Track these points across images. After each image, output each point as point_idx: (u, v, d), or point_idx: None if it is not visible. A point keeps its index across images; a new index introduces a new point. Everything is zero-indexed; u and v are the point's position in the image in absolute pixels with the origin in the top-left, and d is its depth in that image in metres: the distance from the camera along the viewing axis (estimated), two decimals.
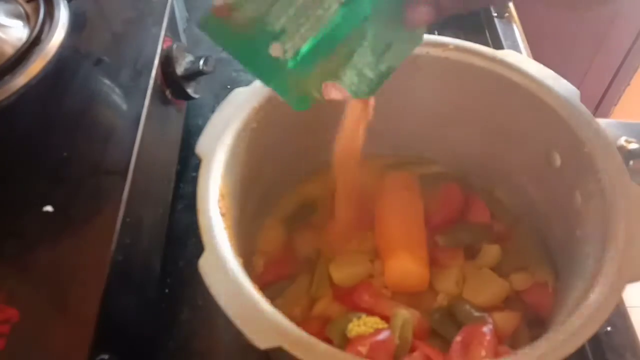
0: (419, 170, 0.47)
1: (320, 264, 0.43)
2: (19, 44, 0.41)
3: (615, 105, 1.23)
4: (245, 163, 0.38)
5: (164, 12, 0.49)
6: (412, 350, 0.37)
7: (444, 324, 0.39)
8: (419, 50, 0.41)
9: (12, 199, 0.36)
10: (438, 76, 0.42)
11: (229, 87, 0.62)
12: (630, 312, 0.44)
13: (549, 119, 0.38)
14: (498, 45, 0.65)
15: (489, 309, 0.40)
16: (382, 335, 0.37)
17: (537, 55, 0.52)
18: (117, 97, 0.43)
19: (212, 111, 0.37)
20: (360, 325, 0.37)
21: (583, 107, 0.37)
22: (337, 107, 0.44)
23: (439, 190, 0.46)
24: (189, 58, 0.51)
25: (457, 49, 0.40)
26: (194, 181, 0.33)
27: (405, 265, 0.40)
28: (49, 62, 0.41)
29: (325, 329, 0.39)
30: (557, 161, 0.39)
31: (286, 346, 0.27)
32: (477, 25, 0.69)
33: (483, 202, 0.45)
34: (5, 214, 0.36)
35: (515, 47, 0.64)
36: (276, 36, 0.30)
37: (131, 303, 0.38)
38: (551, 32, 1.05)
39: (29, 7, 0.45)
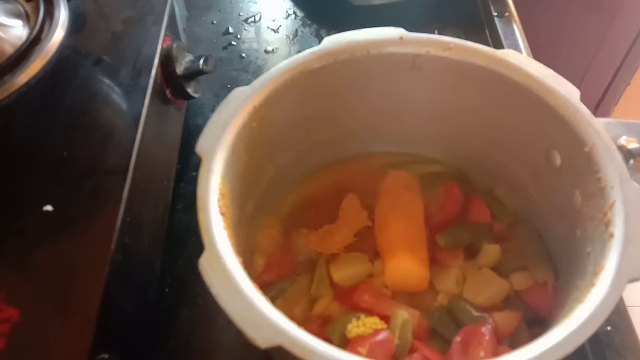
0: (419, 170, 0.47)
1: (320, 263, 0.43)
2: (19, 43, 0.41)
3: (616, 104, 1.23)
4: (245, 162, 0.38)
5: (163, 11, 0.49)
6: (412, 351, 0.37)
7: (444, 323, 0.39)
8: (419, 49, 0.41)
9: (12, 198, 0.36)
10: (438, 75, 0.42)
11: (229, 86, 0.62)
12: (630, 312, 0.44)
13: (549, 119, 0.38)
14: (498, 45, 0.65)
15: (489, 309, 0.40)
16: (382, 336, 0.37)
17: (537, 54, 0.52)
18: (117, 96, 0.43)
19: (212, 110, 0.37)
20: (360, 325, 0.37)
21: (583, 107, 0.37)
22: (337, 107, 0.44)
23: (439, 190, 0.46)
24: (189, 57, 0.51)
25: (457, 48, 0.40)
26: (193, 180, 0.33)
27: (405, 265, 0.40)
28: (49, 62, 0.41)
29: (325, 329, 0.39)
30: (557, 161, 0.39)
31: (286, 345, 0.27)
32: (477, 25, 0.69)
33: (483, 201, 0.45)
34: (5, 213, 0.36)
35: (516, 47, 0.64)
36: None
37: (131, 302, 0.38)
38: (551, 32, 1.05)
39: (28, 7, 0.45)
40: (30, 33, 0.42)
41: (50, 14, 0.44)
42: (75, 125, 0.40)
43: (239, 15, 0.72)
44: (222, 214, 0.32)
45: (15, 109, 0.39)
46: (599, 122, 0.36)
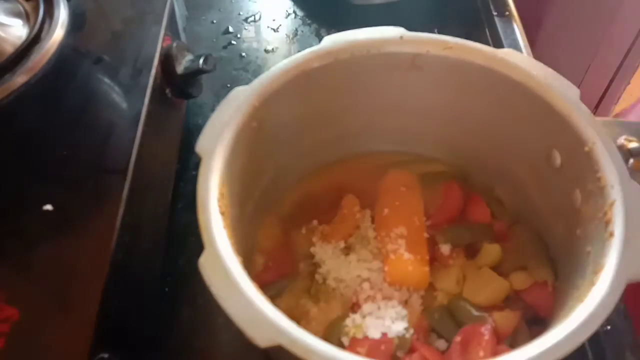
0: (419, 169, 0.47)
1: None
2: (19, 42, 0.41)
3: (616, 104, 1.23)
4: (245, 162, 0.38)
5: (163, 11, 0.49)
6: (412, 351, 0.37)
7: (443, 323, 0.39)
8: (419, 48, 0.41)
9: (12, 197, 0.36)
10: (438, 74, 0.42)
11: (229, 85, 0.62)
12: None
13: (549, 118, 0.38)
14: (498, 44, 0.65)
15: (489, 308, 0.40)
16: (381, 336, 0.37)
17: (538, 54, 0.52)
18: (116, 95, 0.43)
19: (212, 110, 0.37)
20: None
21: (583, 106, 0.37)
22: (338, 106, 0.44)
23: (440, 189, 0.46)
24: (189, 57, 0.51)
25: (458, 47, 0.40)
26: (193, 180, 0.33)
27: (406, 265, 0.40)
28: (49, 61, 0.41)
29: (325, 329, 0.39)
30: (557, 160, 0.39)
31: (286, 345, 0.27)
32: (478, 24, 0.69)
33: (483, 201, 0.45)
34: (5, 213, 0.36)
35: (516, 46, 0.64)
36: None
37: (131, 302, 0.38)
38: (552, 31, 1.05)
39: (28, 6, 0.45)
40: (30, 32, 0.42)
41: (50, 13, 0.44)
42: (75, 124, 0.40)
43: (239, 14, 0.72)
44: (222, 213, 0.32)
45: (15, 108, 0.39)
46: (599, 122, 0.36)
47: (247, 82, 0.39)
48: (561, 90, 0.37)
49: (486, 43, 0.42)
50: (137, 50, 0.45)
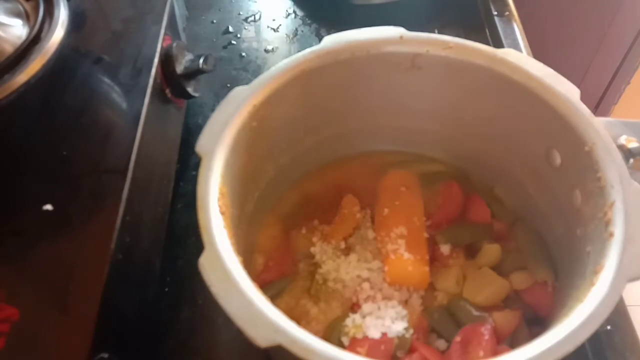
0: (419, 169, 0.47)
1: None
2: (19, 42, 0.41)
3: (616, 104, 1.23)
4: (245, 162, 0.38)
5: (163, 11, 0.49)
6: (412, 351, 0.37)
7: (443, 323, 0.39)
8: (418, 48, 0.41)
9: (12, 197, 0.36)
10: (438, 74, 0.42)
11: (229, 85, 0.62)
12: (630, 311, 0.44)
13: (549, 118, 0.38)
14: (498, 44, 0.65)
15: (489, 308, 0.40)
16: (381, 336, 0.37)
17: (538, 53, 0.52)
18: (116, 95, 0.43)
19: (212, 110, 0.37)
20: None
21: (583, 106, 0.37)
22: (337, 106, 0.44)
23: (439, 189, 0.46)
24: (189, 56, 0.51)
25: (457, 47, 0.40)
26: (193, 180, 0.33)
27: (406, 265, 0.40)
28: (49, 61, 0.41)
29: (325, 329, 0.39)
30: (557, 160, 0.39)
31: (286, 344, 0.27)
32: (477, 24, 0.69)
33: (483, 201, 0.45)
34: (4, 212, 0.36)
35: (516, 46, 0.64)
36: None
37: (131, 301, 0.38)
38: (552, 31, 1.05)
39: (28, 6, 0.45)
40: (30, 32, 0.42)
41: (50, 13, 0.44)
42: (74, 124, 0.40)
43: (239, 14, 0.72)
44: (222, 213, 0.32)
45: (14, 108, 0.39)
46: (599, 121, 0.36)
47: (247, 82, 0.39)
48: (561, 90, 0.37)
49: (486, 43, 0.42)
50: (137, 50, 0.45)
